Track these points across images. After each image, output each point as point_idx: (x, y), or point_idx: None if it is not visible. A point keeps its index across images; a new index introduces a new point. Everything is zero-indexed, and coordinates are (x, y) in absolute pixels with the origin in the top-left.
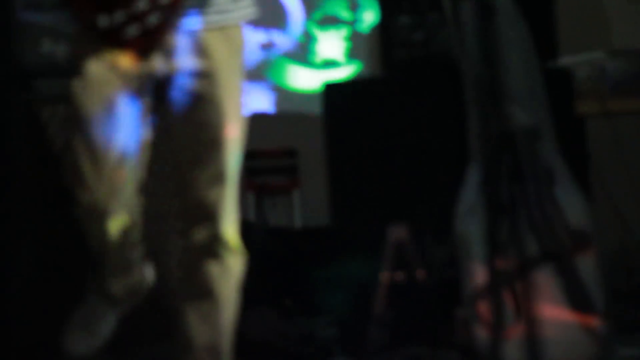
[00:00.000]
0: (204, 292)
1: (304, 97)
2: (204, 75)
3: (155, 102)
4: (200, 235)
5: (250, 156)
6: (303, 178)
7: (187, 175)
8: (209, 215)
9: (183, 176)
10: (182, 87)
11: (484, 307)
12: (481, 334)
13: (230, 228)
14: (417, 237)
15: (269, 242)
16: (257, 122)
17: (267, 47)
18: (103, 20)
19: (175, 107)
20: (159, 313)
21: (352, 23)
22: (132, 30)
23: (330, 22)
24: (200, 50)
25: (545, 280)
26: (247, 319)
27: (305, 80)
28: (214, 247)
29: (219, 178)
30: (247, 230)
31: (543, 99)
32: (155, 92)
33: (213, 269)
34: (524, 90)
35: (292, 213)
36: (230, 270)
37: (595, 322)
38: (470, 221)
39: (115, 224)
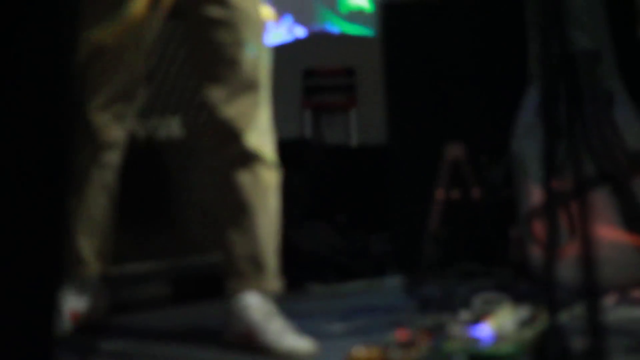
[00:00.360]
0: (239, 205)
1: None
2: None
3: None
4: (229, 149)
5: (309, 75)
6: (360, 97)
7: (209, 94)
8: (235, 130)
9: (206, 94)
10: (197, 11)
11: (538, 227)
12: (535, 253)
13: (259, 140)
14: (474, 156)
15: (325, 159)
16: (315, 41)
17: None
18: None
19: (192, 29)
20: (210, 225)
21: None
22: None
23: None
24: None
25: (601, 201)
26: (303, 233)
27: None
28: (244, 160)
29: (241, 95)
30: (304, 148)
31: (604, 22)
32: (172, 17)
33: (245, 181)
34: (586, 12)
35: (348, 131)
36: (264, 182)
37: None
38: (527, 142)
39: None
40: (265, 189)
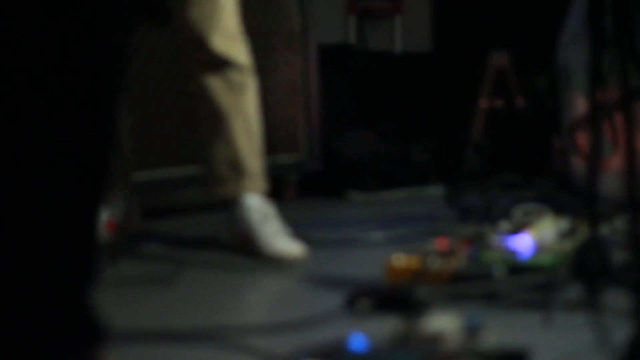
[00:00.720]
0: (212, 111)
1: None
2: None
3: None
4: (196, 54)
5: None
6: (406, 2)
7: (172, 3)
8: (199, 34)
9: (169, 3)
10: None
11: (582, 138)
12: (578, 164)
13: (227, 44)
14: (518, 64)
15: (369, 65)
16: None
17: None
18: None
19: None
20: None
21: None
22: None
23: None
24: None
25: None
26: (345, 140)
27: None
28: (212, 64)
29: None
30: (347, 53)
31: None
32: None
33: (216, 85)
34: None
35: (393, 37)
36: (236, 85)
37: None
38: (573, 51)
39: None
40: (238, 92)
